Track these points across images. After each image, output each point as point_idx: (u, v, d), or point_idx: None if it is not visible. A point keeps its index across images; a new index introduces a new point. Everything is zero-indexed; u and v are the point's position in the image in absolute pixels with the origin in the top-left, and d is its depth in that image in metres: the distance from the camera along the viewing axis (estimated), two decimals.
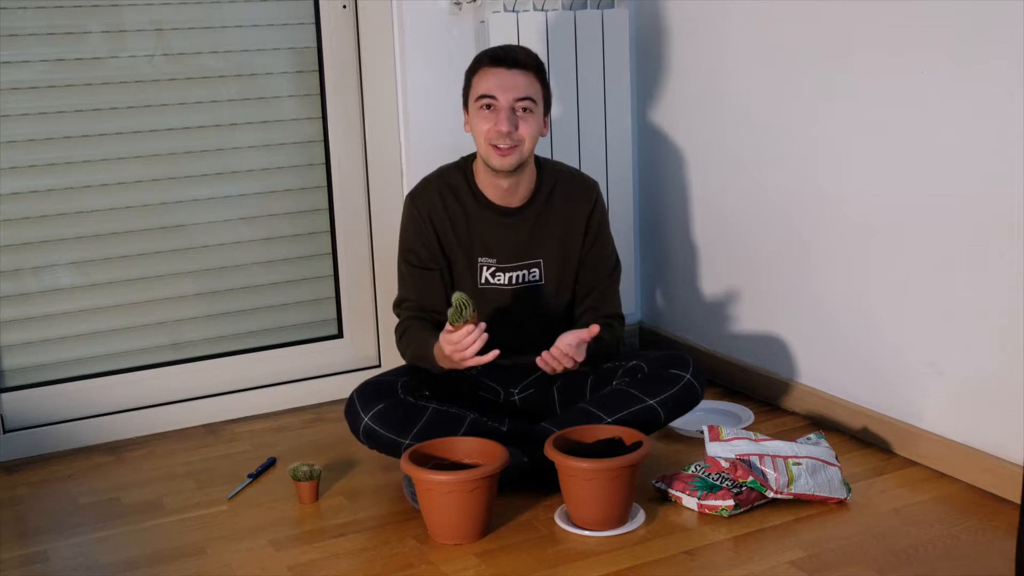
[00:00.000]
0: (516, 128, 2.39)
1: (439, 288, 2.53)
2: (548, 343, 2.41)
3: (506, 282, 2.54)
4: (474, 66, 2.47)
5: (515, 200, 2.52)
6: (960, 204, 2.37)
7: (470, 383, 2.60)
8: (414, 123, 3.00)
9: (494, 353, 2.30)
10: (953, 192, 2.38)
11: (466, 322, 2.27)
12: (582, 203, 2.56)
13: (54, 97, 2.75)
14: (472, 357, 2.29)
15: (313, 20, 2.97)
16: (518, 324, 2.55)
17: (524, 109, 2.40)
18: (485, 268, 2.53)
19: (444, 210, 2.51)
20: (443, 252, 2.53)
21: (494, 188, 2.50)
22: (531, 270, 2.55)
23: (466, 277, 2.54)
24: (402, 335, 2.56)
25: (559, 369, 2.39)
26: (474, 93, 2.43)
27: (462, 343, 2.28)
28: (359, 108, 3.03)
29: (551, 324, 2.54)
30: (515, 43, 2.81)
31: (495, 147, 2.40)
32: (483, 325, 2.29)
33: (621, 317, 2.64)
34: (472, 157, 2.55)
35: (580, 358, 2.39)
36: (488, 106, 2.40)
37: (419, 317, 2.55)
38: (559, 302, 2.60)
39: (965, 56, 2.30)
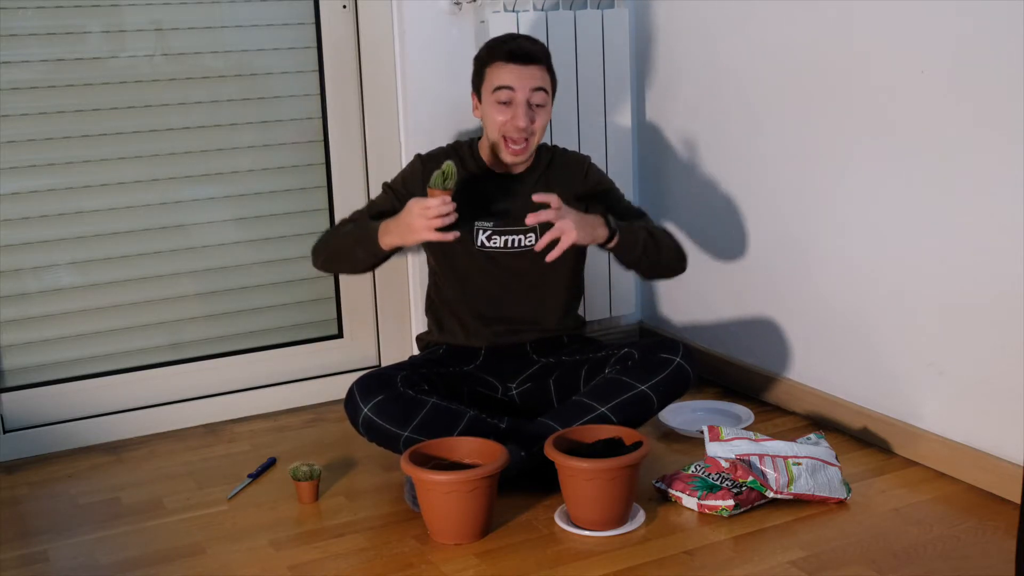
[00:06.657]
0: (532, 122, 2.50)
1: None
2: (549, 320, 2.62)
3: (502, 245, 2.59)
4: (487, 58, 2.55)
5: (516, 169, 2.62)
6: (959, 204, 2.37)
7: (469, 379, 2.61)
8: (414, 123, 3.00)
9: (454, 234, 2.38)
10: (953, 192, 2.38)
11: (445, 191, 2.34)
12: (577, 171, 2.67)
13: (54, 97, 2.74)
14: (434, 230, 2.36)
15: (313, 20, 2.97)
16: (516, 298, 2.63)
17: (538, 104, 2.51)
18: (482, 232, 2.60)
19: None
20: None
21: (497, 162, 2.60)
22: (527, 234, 2.60)
23: (461, 240, 2.56)
24: (334, 228, 2.63)
25: (548, 214, 2.37)
26: (488, 85, 2.53)
27: (433, 208, 2.34)
28: (359, 108, 3.03)
29: (550, 297, 2.65)
30: None
31: (508, 142, 2.51)
32: (454, 204, 2.35)
33: (664, 230, 2.68)
34: (478, 137, 2.64)
35: (560, 212, 2.38)
36: (504, 100, 2.50)
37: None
38: (557, 270, 2.62)
39: (966, 58, 2.31)
